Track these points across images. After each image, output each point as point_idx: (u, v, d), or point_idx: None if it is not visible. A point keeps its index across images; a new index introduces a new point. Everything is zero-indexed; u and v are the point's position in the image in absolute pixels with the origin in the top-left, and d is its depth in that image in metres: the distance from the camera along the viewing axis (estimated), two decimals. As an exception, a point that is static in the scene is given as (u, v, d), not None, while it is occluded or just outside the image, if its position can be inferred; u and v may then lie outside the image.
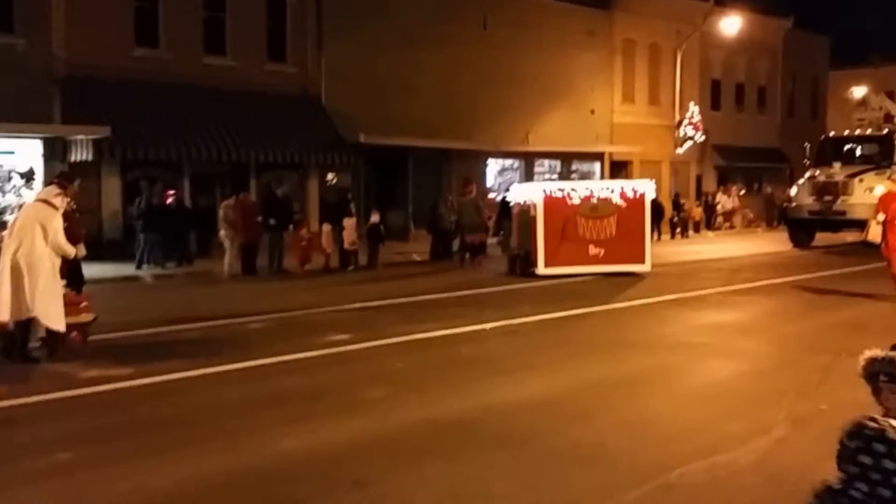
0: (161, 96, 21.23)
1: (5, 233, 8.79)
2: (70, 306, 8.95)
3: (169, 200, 19.49)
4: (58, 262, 8.71)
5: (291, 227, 18.77)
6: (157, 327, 10.49)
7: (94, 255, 19.76)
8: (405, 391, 7.15)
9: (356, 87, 24.59)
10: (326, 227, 19.22)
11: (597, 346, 9.24)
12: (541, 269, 15.90)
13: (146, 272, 17.83)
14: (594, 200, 16.19)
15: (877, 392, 3.65)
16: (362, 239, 19.29)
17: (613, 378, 7.60)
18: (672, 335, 9.91)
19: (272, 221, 17.97)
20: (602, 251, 16.20)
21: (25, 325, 8.52)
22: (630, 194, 16.42)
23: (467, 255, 19.57)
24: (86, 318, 9.10)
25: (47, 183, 9.14)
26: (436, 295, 13.59)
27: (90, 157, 19.92)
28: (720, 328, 10.47)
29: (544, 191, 16.23)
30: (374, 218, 19.48)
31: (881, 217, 13.08)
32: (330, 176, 24.59)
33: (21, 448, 5.67)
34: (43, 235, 8.45)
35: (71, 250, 8.84)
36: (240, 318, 11.21)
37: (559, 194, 16.14)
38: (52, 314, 8.50)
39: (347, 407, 6.57)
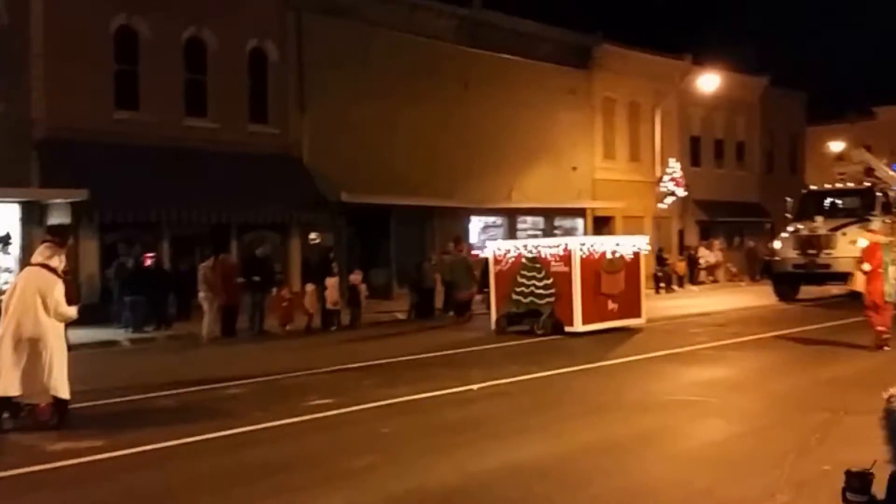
0: (141, 158, 21.04)
1: (3, 301, 8.40)
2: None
3: (147, 263, 19.18)
4: (61, 328, 8.45)
5: (273, 288, 18.50)
6: (132, 395, 10.12)
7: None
8: (390, 460, 6.82)
9: (338, 146, 24.56)
10: (310, 287, 18.97)
11: (589, 406, 8.94)
12: (577, 327, 15.39)
13: (123, 336, 17.43)
14: (609, 255, 16.10)
15: None
16: (344, 298, 19.02)
17: (608, 440, 7.30)
18: (665, 393, 9.64)
19: (256, 279, 17.74)
20: (616, 306, 16.09)
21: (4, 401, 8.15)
22: (632, 250, 16.53)
23: (451, 313, 19.58)
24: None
25: (39, 242, 8.90)
26: (421, 355, 13.28)
27: (68, 220, 19.62)
28: (713, 385, 10.21)
29: (580, 247, 15.77)
30: (354, 278, 19.25)
31: (867, 267, 13.14)
32: (313, 235, 24.38)
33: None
34: (44, 307, 8.12)
35: (73, 314, 8.54)
36: (218, 383, 10.85)
37: (589, 251, 15.84)
38: (60, 386, 8.23)
39: (329, 478, 6.23)
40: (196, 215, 21.29)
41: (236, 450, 7.32)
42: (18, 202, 19.51)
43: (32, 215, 19.70)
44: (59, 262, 8.46)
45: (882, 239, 13.77)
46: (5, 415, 8.22)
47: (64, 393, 8.27)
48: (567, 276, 15.55)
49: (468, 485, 5.99)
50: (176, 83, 22.37)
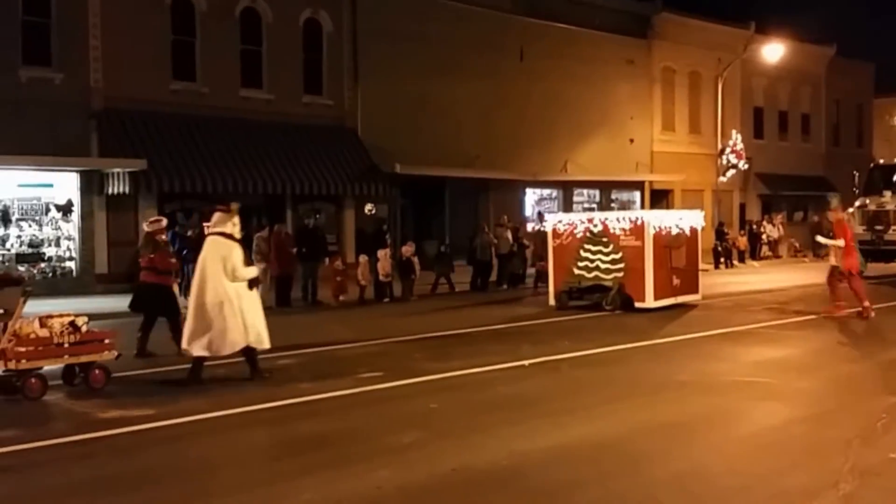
0: (198, 129, 21.29)
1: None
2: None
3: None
4: (244, 286, 8.96)
5: (326, 259, 18.53)
6: (183, 364, 10.17)
7: (128, 288, 19.81)
8: (437, 436, 6.71)
9: (392, 118, 24.43)
10: (363, 259, 18.95)
11: (642, 385, 8.70)
12: (648, 303, 15.07)
13: (184, 304, 17.63)
14: (674, 231, 15.75)
15: None
16: (396, 271, 18.98)
17: (661, 422, 7.07)
18: (722, 373, 9.34)
19: (303, 249, 17.80)
20: (679, 282, 15.77)
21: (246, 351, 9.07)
22: (689, 224, 16.18)
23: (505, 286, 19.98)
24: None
25: (209, 213, 9.57)
26: (472, 329, 13.15)
27: (127, 190, 19.93)
28: (773, 366, 9.87)
29: (650, 222, 15.28)
30: (406, 250, 19.15)
31: (840, 242, 14.13)
32: (369, 206, 24.37)
33: (28, 499, 5.34)
34: (224, 271, 8.76)
35: (249, 275, 9.07)
36: (268, 353, 10.83)
37: (661, 226, 15.46)
38: (255, 338, 9.02)
39: (374, 454, 6.14)
40: (252, 186, 21.43)
41: (283, 422, 7.31)
42: (78, 171, 19.86)
43: (92, 184, 20.06)
44: (232, 227, 9.05)
45: (844, 216, 15.57)
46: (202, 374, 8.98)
47: (260, 344, 9.05)
48: (638, 251, 15.12)
49: (516, 465, 5.84)
50: (232, 54, 22.47)
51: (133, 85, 20.26)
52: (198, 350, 8.82)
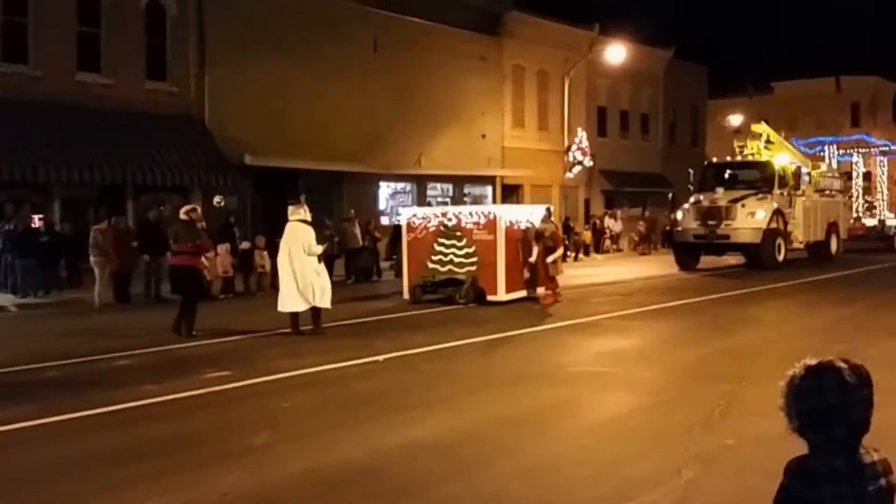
0: (30, 115, 19.87)
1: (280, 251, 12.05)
2: None
3: (36, 224, 18.13)
4: (315, 260, 11.87)
5: (167, 253, 17.69)
6: (12, 366, 9.48)
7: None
8: (289, 437, 6.51)
9: (242, 107, 23.73)
10: (212, 253, 18.26)
11: (495, 378, 8.80)
12: (501, 296, 15.28)
13: (11, 300, 16.48)
14: (524, 225, 16.00)
15: None
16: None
17: (514, 414, 7.15)
18: (570, 364, 9.60)
19: (134, 244, 17.16)
20: (529, 275, 16.04)
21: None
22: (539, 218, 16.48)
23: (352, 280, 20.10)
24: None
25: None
26: (328, 324, 12.92)
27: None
28: (618, 356, 10.24)
29: (503, 217, 15.50)
30: (246, 244, 18.71)
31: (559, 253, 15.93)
32: (217, 199, 23.55)
33: None
34: (303, 248, 11.62)
35: (319, 250, 11.97)
36: (106, 353, 10.28)
37: (513, 221, 15.69)
38: (321, 299, 11.83)
39: (222, 458, 5.88)
40: (89, 176, 20.27)
41: (122, 427, 6.87)
42: None
43: None
44: (304, 213, 11.97)
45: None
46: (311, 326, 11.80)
47: (323, 303, 11.86)
48: (491, 245, 15.37)
49: (372, 462, 5.74)
50: (67, 36, 21.16)
51: (-44, 66, 18.74)
52: (303, 306, 11.72)
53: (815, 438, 2.18)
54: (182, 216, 12.55)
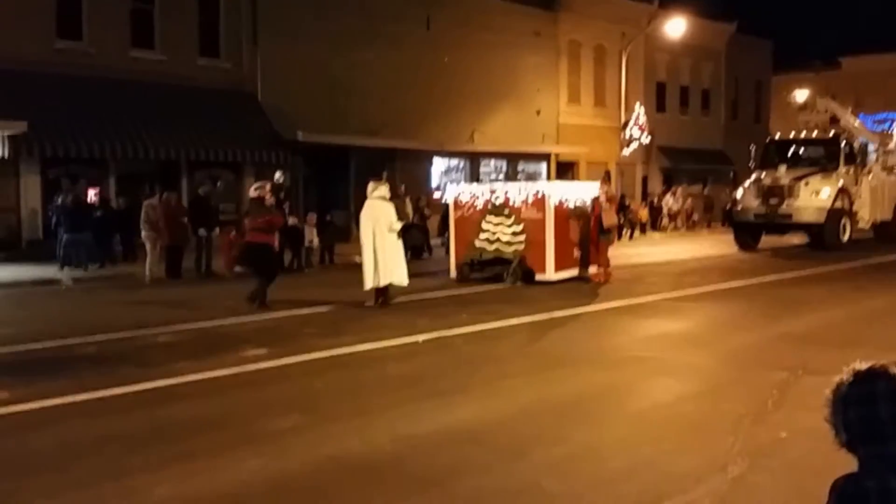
0: (84, 91, 20.08)
1: (361, 226, 12.24)
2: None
3: (91, 199, 18.32)
4: (395, 236, 12.13)
5: (217, 228, 17.71)
6: (55, 340, 9.50)
7: (12, 257, 18.67)
8: (318, 419, 6.31)
9: (294, 83, 23.65)
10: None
11: (535, 361, 8.47)
12: (549, 275, 14.92)
13: (66, 275, 16.67)
14: (575, 203, 15.57)
15: None
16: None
17: (553, 401, 6.85)
18: (618, 348, 9.23)
19: (184, 219, 17.15)
20: (579, 254, 15.65)
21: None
22: (590, 197, 15.99)
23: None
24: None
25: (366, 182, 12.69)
26: (370, 301, 12.73)
27: (6, 154, 18.72)
28: (669, 339, 9.82)
29: (552, 195, 15.09)
30: (293, 220, 18.61)
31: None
32: (278, 175, 23.51)
33: None
34: (384, 224, 11.88)
35: (399, 227, 12.18)
36: (149, 328, 10.25)
37: (563, 198, 15.29)
38: (397, 276, 12.19)
39: (246, 441, 5.70)
40: (143, 151, 20.43)
41: (151, 406, 6.74)
42: (-49, 134, 18.52)
43: (-33, 148, 18.74)
44: (385, 191, 12.22)
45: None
46: (380, 300, 12.20)
47: (399, 280, 12.22)
48: (539, 223, 14.95)
49: (398, 450, 5.51)
50: (121, 13, 21.29)
51: (13, 43, 18.97)
52: (383, 281, 11.97)
53: (865, 454, 1.86)
54: (252, 193, 12.81)
